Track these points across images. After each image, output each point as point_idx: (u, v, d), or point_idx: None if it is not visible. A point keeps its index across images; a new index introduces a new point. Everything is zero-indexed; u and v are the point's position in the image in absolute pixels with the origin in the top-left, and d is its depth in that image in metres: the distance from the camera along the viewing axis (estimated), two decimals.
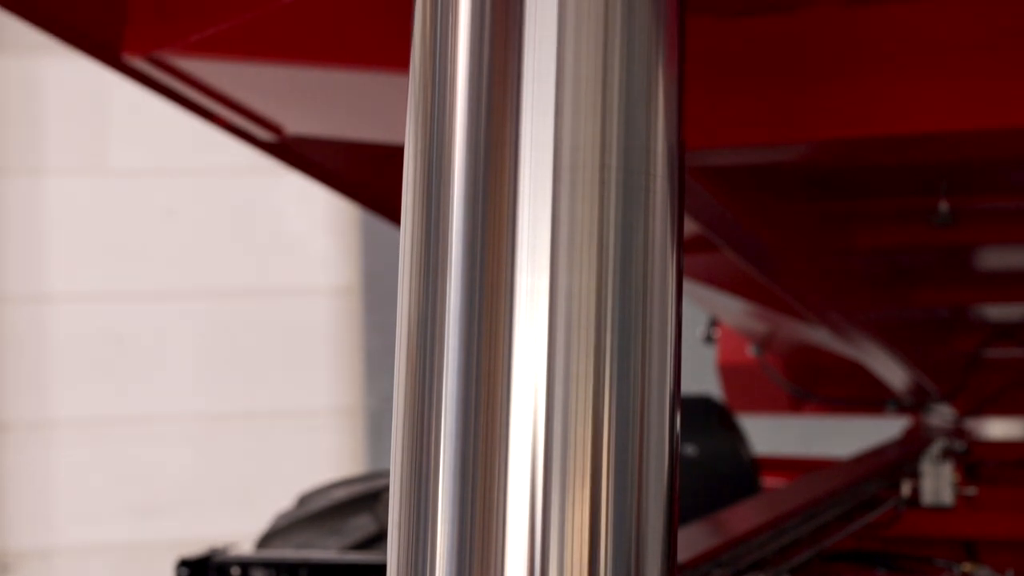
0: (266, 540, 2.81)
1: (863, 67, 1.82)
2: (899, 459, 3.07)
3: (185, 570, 2.32)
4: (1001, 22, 1.77)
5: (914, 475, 2.93)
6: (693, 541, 1.95)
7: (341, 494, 2.89)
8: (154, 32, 2.06)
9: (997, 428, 3.82)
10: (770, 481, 3.57)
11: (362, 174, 2.62)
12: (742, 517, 2.23)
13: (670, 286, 1.07)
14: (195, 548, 2.48)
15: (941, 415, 3.89)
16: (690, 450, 3.37)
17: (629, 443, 1.05)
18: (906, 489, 2.77)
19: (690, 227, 2.21)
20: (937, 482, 2.88)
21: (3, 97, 6.59)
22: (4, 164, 6.58)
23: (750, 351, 4.07)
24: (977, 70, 1.78)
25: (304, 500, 2.97)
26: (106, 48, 2.12)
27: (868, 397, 3.98)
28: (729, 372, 4.33)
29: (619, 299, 1.03)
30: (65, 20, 2.10)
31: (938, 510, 2.90)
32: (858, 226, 2.78)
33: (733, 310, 3.60)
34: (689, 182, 1.94)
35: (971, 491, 2.94)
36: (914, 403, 3.89)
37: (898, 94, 1.81)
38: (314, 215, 6.68)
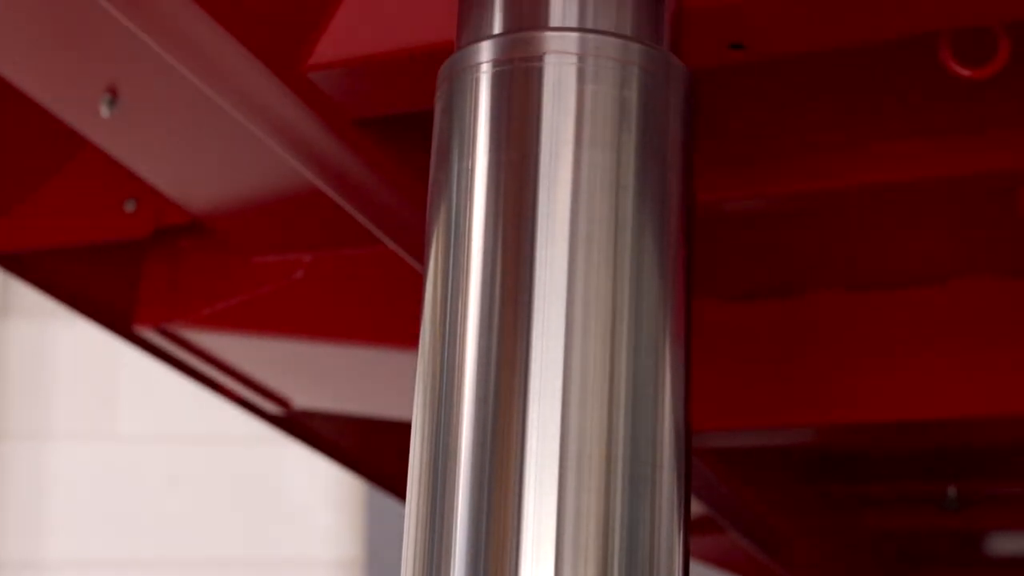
0: None
1: (867, 352, 1.84)
2: None
3: None
4: (1004, 312, 1.79)
5: None
6: None
7: None
8: (165, 304, 2.09)
9: None
10: None
11: (368, 449, 2.62)
12: None
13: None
14: None
15: None
16: None
17: None
18: None
19: (696, 508, 2.19)
20: None
21: (12, 360, 6.63)
22: (9, 428, 6.58)
23: None
24: (981, 357, 1.79)
25: None
26: (118, 318, 2.15)
27: None
28: None
29: None
30: (79, 291, 2.14)
31: None
32: (865, 509, 2.76)
33: None
34: (695, 464, 1.93)
35: None
36: None
37: (903, 379, 1.82)
38: (318, 487, 6.64)
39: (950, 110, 1.51)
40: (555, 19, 1.09)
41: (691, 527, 1.11)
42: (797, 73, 1.46)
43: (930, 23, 1.18)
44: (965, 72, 1.26)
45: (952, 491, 2.49)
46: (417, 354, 1.11)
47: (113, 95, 1.63)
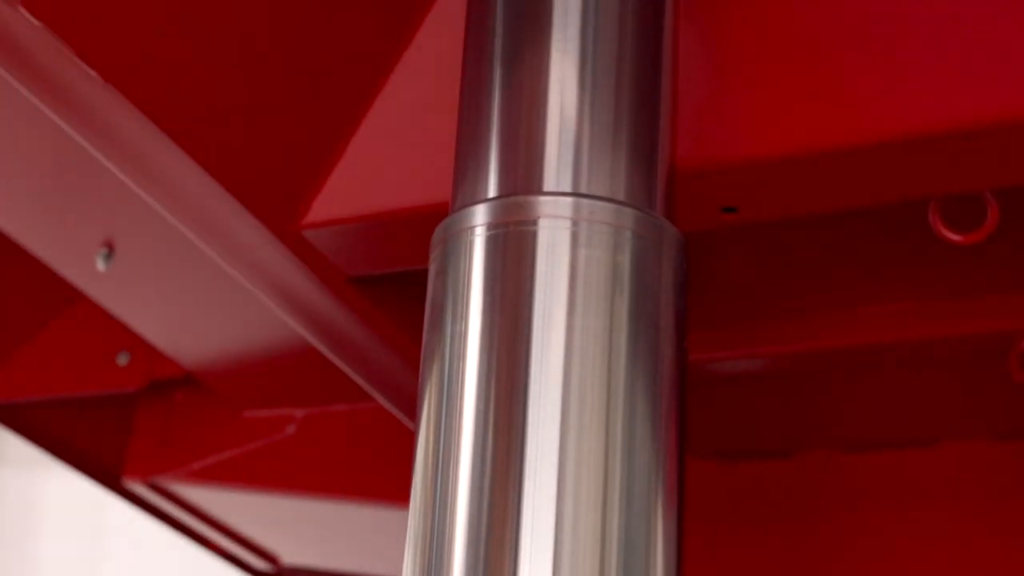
0: None
1: (863, 514, 1.83)
2: None
3: None
4: (997, 475, 1.79)
5: None
6: None
7: None
8: (156, 458, 2.08)
9: None
10: None
11: None
12: None
13: None
14: None
15: None
16: None
17: None
18: None
19: None
20: None
21: None
22: None
23: None
24: (975, 520, 1.79)
25: None
26: (106, 471, 2.14)
27: None
28: None
29: None
30: (69, 442, 2.13)
31: None
32: None
33: None
34: None
35: None
36: None
37: (898, 541, 1.81)
38: None
39: (941, 273, 1.51)
40: (549, 183, 1.10)
41: None
42: (789, 235, 1.47)
43: (920, 191, 1.19)
44: (955, 237, 1.27)
45: None
46: (408, 513, 1.10)
47: (109, 249, 1.64)
